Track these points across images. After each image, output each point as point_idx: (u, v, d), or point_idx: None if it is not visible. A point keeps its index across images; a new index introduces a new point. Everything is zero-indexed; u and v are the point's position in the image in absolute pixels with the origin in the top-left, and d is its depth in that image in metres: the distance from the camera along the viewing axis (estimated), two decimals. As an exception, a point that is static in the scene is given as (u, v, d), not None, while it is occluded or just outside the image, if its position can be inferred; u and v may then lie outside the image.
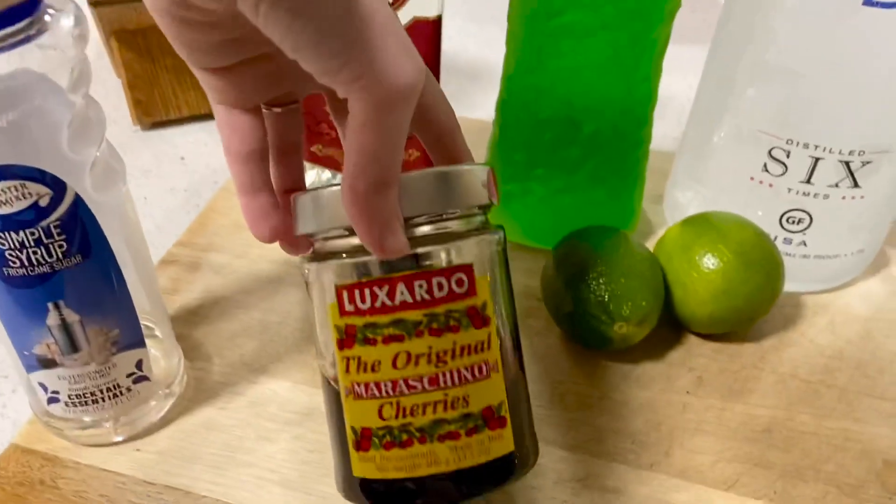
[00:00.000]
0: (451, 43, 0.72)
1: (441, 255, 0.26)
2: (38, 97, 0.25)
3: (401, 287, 0.26)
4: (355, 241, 0.26)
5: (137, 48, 0.57)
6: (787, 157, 0.37)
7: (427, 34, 0.39)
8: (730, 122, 0.39)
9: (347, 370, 0.27)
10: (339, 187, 0.25)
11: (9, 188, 0.25)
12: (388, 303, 0.26)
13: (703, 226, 0.38)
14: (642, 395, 0.36)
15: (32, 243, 0.26)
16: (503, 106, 0.41)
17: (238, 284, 0.42)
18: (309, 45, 0.20)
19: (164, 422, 0.34)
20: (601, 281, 0.35)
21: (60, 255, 0.27)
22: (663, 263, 0.38)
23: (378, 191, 0.23)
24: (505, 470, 0.27)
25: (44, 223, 0.26)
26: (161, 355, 0.35)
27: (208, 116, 0.60)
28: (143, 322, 0.32)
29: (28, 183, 0.25)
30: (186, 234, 0.45)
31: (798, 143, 0.36)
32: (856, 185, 0.37)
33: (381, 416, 0.26)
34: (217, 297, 0.41)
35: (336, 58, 0.21)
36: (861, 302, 0.42)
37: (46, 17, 0.25)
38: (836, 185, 0.37)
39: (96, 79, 0.30)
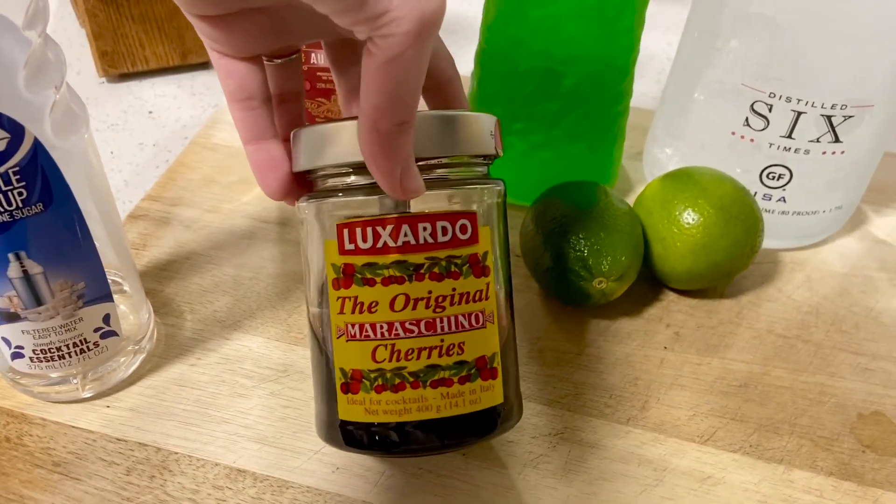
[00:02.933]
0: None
1: (446, 200, 0.26)
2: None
3: (405, 228, 0.25)
4: (359, 179, 0.25)
5: (102, -4, 0.54)
6: (769, 111, 0.37)
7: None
8: (712, 76, 0.38)
9: (342, 311, 0.26)
10: (344, 123, 0.24)
11: (-39, 130, 0.23)
12: (391, 243, 0.25)
13: (683, 181, 0.38)
14: (620, 350, 0.36)
15: (-11, 190, 0.25)
16: (482, 56, 0.40)
17: (209, 240, 0.41)
18: None
19: (135, 378, 0.34)
20: (580, 236, 0.35)
21: (20, 203, 0.26)
22: (643, 219, 0.38)
23: (402, 131, 0.23)
24: (490, 422, 0.27)
25: (1, 169, 0.25)
26: (130, 310, 0.34)
27: (177, 69, 0.58)
28: (110, 277, 0.31)
29: (-17, 125, 0.24)
30: (155, 188, 0.44)
31: (780, 97, 0.36)
32: (837, 139, 0.37)
33: (374, 359, 0.26)
34: (188, 253, 0.40)
35: None
36: (838, 258, 0.42)
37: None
38: (818, 141, 0.37)
39: (60, 28, 0.28)
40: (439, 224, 0.26)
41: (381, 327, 0.26)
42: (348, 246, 0.26)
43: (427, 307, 0.26)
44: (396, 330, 0.26)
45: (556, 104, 0.39)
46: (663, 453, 0.32)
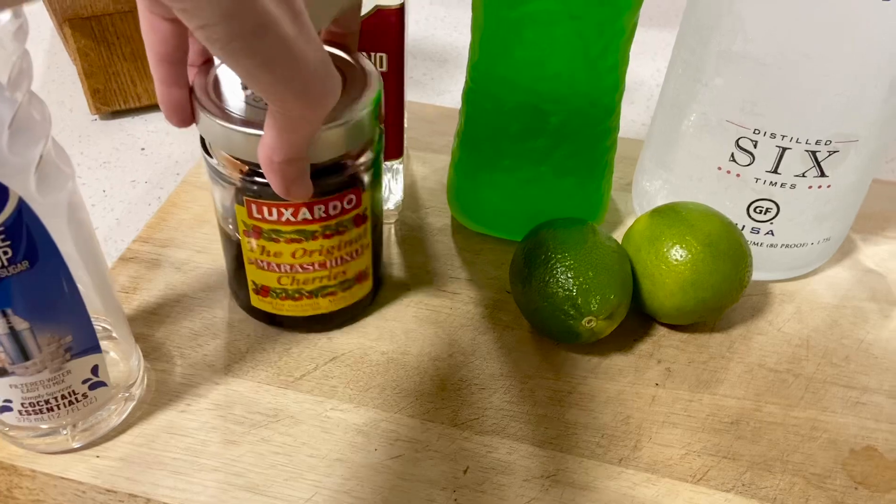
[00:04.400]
0: (418, 28, 0.71)
1: (337, 182, 0.33)
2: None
3: (303, 210, 0.33)
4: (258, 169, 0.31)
5: (92, 35, 0.55)
6: (755, 147, 0.37)
7: (390, 22, 0.38)
8: (697, 111, 0.38)
9: (252, 250, 0.35)
10: (250, 132, 0.30)
11: (-55, 194, 0.23)
12: (292, 219, 0.33)
13: (670, 217, 0.38)
14: (611, 387, 0.36)
15: (-26, 250, 0.25)
16: (469, 95, 0.40)
17: (199, 281, 0.41)
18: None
19: (125, 426, 0.34)
20: (569, 275, 0.35)
21: (5, 262, 0.26)
22: (631, 255, 0.38)
23: (291, 164, 0.27)
24: (366, 301, 0.39)
25: (-14, 229, 0.25)
26: (119, 357, 0.34)
27: (169, 105, 0.58)
28: (98, 324, 0.31)
29: (-35, 188, 0.24)
30: (146, 230, 0.44)
31: (765, 133, 0.36)
32: (822, 174, 0.37)
33: (278, 283, 0.36)
34: (178, 295, 0.40)
35: (268, 91, 0.24)
36: (827, 289, 0.42)
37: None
38: (803, 175, 0.37)
39: (52, 65, 0.29)
40: (332, 204, 0.33)
41: (284, 267, 0.35)
42: (256, 215, 0.33)
43: (320, 255, 0.35)
44: (296, 269, 0.35)
45: (543, 141, 0.39)
46: (656, 494, 0.32)
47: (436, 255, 0.43)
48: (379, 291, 0.40)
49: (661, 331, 0.39)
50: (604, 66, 0.37)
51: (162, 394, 0.35)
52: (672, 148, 0.41)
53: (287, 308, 0.37)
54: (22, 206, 0.25)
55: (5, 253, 0.25)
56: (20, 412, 0.30)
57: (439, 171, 0.49)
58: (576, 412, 0.35)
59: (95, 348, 0.30)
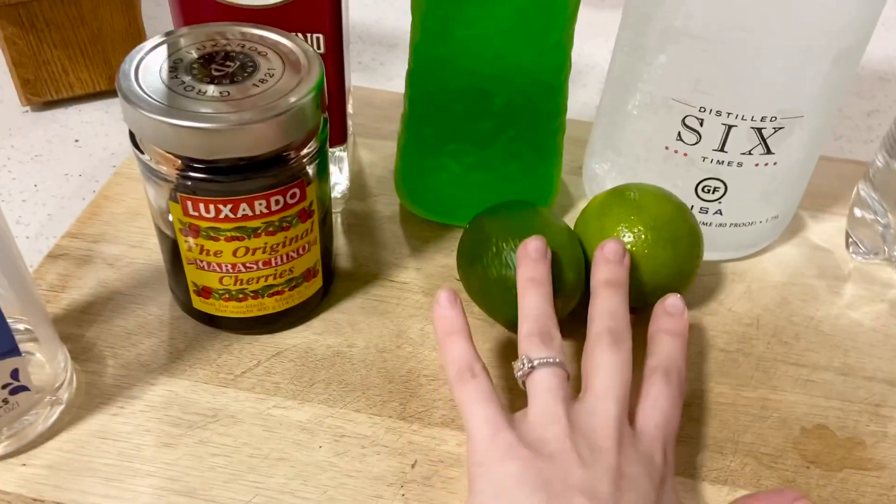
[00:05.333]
0: (367, 11, 0.69)
1: (279, 175, 0.31)
2: None
3: (243, 206, 0.31)
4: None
5: (20, 23, 0.52)
6: (701, 125, 0.36)
7: (325, 4, 0.36)
8: (643, 91, 0.38)
9: (190, 249, 0.33)
10: (182, 124, 0.28)
11: None
12: (231, 216, 0.31)
13: (619, 200, 0.37)
14: (562, 374, 0.36)
15: None
16: (411, 78, 0.39)
17: (134, 277, 0.39)
18: None
19: (53, 432, 0.32)
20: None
21: None
22: (582, 237, 0.37)
23: None
24: (315, 302, 0.37)
25: None
26: (44, 360, 0.32)
27: (104, 94, 0.56)
28: (19, 325, 0.29)
29: None
30: (76, 224, 0.42)
31: (710, 111, 0.36)
32: (768, 151, 0.37)
33: (220, 283, 0.34)
34: (111, 292, 0.38)
35: None
36: (777, 267, 0.42)
37: None
38: (750, 153, 0.37)
39: None
40: (273, 198, 0.31)
41: (225, 266, 0.33)
42: (192, 212, 0.31)
43: (264, 253, 0.33)
44: (238, 268, 0.33)
45: (488, 123, 0.38)
46: (608, 480, 0.32)
47: (383, 244, 0.42)
48: (330, 288, 0.39)
49: (612, 314, 0.38)
50: (547, 45, 0.36)
51: (93, 396, 0.33)
52: (619, 129, 0.40)
53: (231, 309, 0.35)
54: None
55: None
56: (-66, 422, 0.28)
57: (387, 158, 0.48)
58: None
59: (14, 351, 0.29)
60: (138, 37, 0.54)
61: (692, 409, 0.35)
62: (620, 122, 0.40)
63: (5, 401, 0.29)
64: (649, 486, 0.27)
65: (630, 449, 0.28)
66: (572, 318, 0.37)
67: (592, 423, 0.28)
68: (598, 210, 0.37)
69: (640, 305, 0.38)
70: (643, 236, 0.35)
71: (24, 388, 0.30)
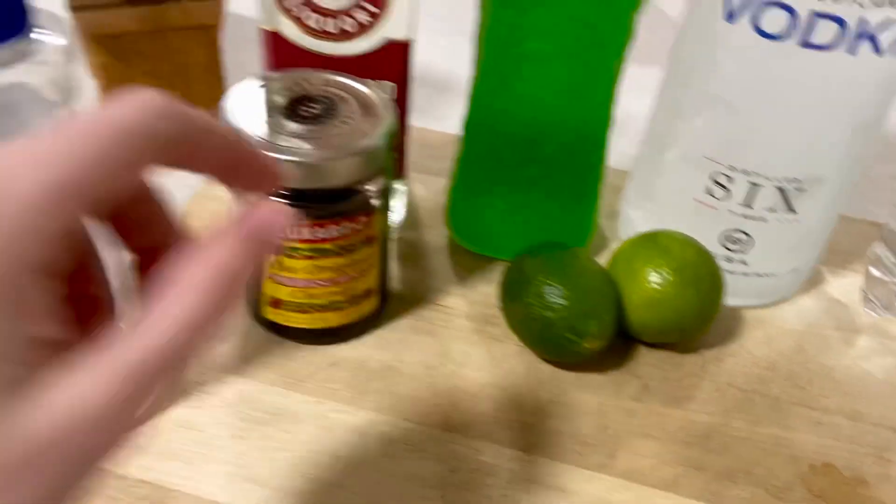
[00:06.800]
0: (421, 56, 0.74)
1: (351, 205, 0.36)
2: (30, 111, 0.27)
3: (321, 230, 0.35)
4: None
5: (112, 52, 0.58)
6: (729, 182, 0.40)
7: (398, 56, 0.41)
8: (678, 147, 0.42)
9: (270, 265, 0.37)
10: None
11: None
12: (308, 237, 0.36)
13: (649, 244, 0.41)
14: (592, 400, 0.39)
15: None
16: (468, 124, 0.43)
17: (211, 287, 0.43)
18: None
19: (138, 419, 0.36)
20: (563, 299, 0.37)
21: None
22: (614, 278, 0.41)
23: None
24: (372, 319, 0.41)
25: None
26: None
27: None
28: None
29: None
30: (161, 237, 0.46)
31: (738, 170, 0.39)
32: (791, 210, 0.40)
33: (291, 297, 0.38)
34: (190, 300, 0.42)
35: None
36: (795, 317, 0.45)
37: (36, 36, 0.26)
38: (774, 210, 0.40)
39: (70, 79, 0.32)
40: (347, 224, 0.36)
41: (297, 282, 0.37)
42: None
43: (332, 272, 0.37)
44: (308, 284, 0.37)
45: (535, 169, 0.42)
46: (630, 500, 0.35)
47: (432, 272, 0.46)
48: (384, 307, 0.43)
49: (641, 350, 0.42)
50: (594, 103, 0.40)
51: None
52: (654, 179, 0.44)
53: (297, 320, 0.39)
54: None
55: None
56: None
57: (438, 193, 0.52)
58: (558, 421, 0.38)
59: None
60: (217, 71, 0.59)
61: (710, 440, 0.38)
62: (656, 173, 0.44)
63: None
64: None
65: None
66: (598, 352, 0.40)
67: None
68: (629, 253, 0.41)
69: (663, 342, 0.42)
70: (669, 278, 0.39)
71: (122, 377, 0.34)
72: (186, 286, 0.18)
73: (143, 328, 0.18)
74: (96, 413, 0.17)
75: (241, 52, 0.62)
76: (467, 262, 0.47)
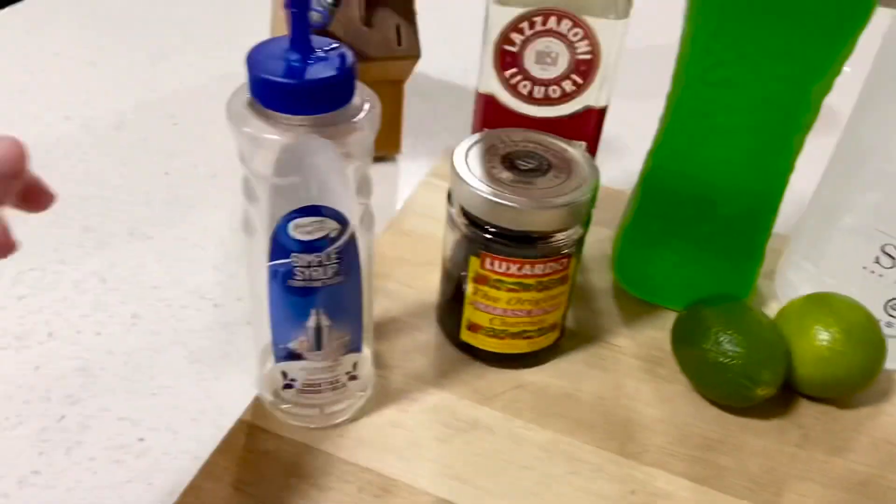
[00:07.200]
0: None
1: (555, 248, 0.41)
2: (322, 160, 0.33)
3: (528, 267, 0.41)
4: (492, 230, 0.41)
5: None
6: (899, 253, 0.43)
7: (594, 121, 0.47)
8: (850, 217, 0.45)
9: (475, 293, 0.43)
10: (495, 200, 0.39)
11: (314, 222, 0.33)
12: (516, 272, 0.41)
13: (819, 304, 0.44)
14: (757, 442, 0.43)
15: (316, 264, 0.34)
16: (646, 180, 0.48)
17: (406, 309, 0.50)
18: None
19: (359, 415, 0.42)
20: (740, 347, 0.41)
21: (331, 274, 0.35)
22: (782, 332, 0.44)
23: None
24: (551, 349, 0.46)
25: (328, 249, 0.34)
26: (367, 360, 0.42)
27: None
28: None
29: (327, 220, 0.33)
30: (365, 262, 0.53)
31: (910, 243, 0.43)
32: (958, 283, 0.43)
33: (489, 323, 0.44)
34: (391, 319, 0.49)
35: None
36: (952, 385, 0.47)
37: (355, 102, 0.33)
38: (941, 281, 0.43)
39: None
40: (549, 264, 0.41)
41: (497, 310, 0.43)
42: (488, 266, 0.41)
43: (530, 305, 0.42)
44: (507, 313, 0.43)
45: (709, 228, 0.47)
46: (794, 535, 0.38)
47: (600, 312, 0.51)
48: (560, 341, 0.47)
49: (801, 401, 0.45)
50: (774, 172, 0.44)
51: (384, 395, 0.44)
52: (821, 245, 0.48)
53: (489, 344, 0.45)
54: (352, 236, 0.34)
55: (333, 268, 0.35)
56: (298, 390, 0.39)
57: (602, 241, 0.57)
58: (726, 459, 0.42)
59: (359, 348, 0.39)
60: (398, 121, 0.66)
61: (868, 488, 0.41)
62: (823, 239, 0.48)
63: (344, 384, 0.40)
64: None
65: None
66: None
67: None
68: (798, 311, 0.45)
69: (828, 397, 0.45)
70: (838, 337, 0.42)
71: (356, 378, 0.40)
72: None
73: None
74: None
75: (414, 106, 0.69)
76: (633, 306, 0.51)
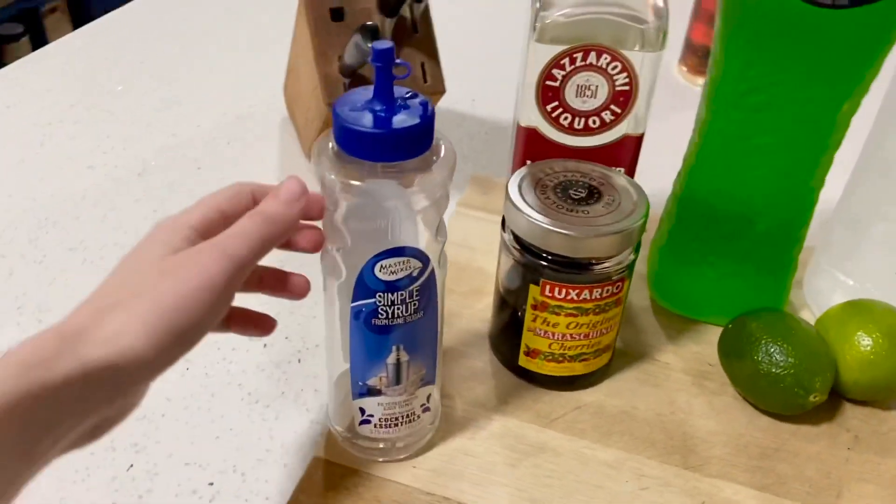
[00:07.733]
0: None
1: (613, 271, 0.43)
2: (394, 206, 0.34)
3: (586, 292, 0.42)
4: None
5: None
6: (931, 259, 0.46)
7: (631, 147, 0.49)
8: (881, 229, 0.48)
9: (534, 320, 0.44)
10: (554, 229, 0.41)
11: (399, 262, 0.34)
12: (575, 298, 0.43)
13: (857, 311, 0.46)
14: (811, 448, 0.44)
15: (399, 302, 0.35)
16: (682, 199, 0.50)
17: (459, 338, 0.51)
18: None
19: (429, 446, 0.43)
20: (791, 357, 0.43)
21: (412, 311, 0.36)
22: (824, 338, 0.46)
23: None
24: (604, 370, 0.48)
25: (410, 287, 0.35)
26: (436, 392, 0.43)
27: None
28: (424, 365, 0.41)
29: (411, 259, 0.34)
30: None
31: (942, 249, 0.45)
32: None
33: (548, 348, 0.45)
34: (447, 348, 0.50)
35: None
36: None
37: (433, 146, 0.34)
38: (972, 284, 0.46)
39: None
40: (606, 288, 0.43)
41: (557, 335, 0.44)
42: (547, 293, 0.43)
43: (587, 328, 0.44)
44: (566, 338, 0.44)
45: (746, 243, 0.49)
46: (859, 535, 0.40)
47: (643, 330, 0.53)
48: (611, 361, 0.49)
49: (846, 405, 0.47)
50: (807, 187, 0.47)
51: (450, 424, 0.45)
52: (852, 254, 0.50)
53: (547, 368, 0.46)
54: (432, 273, 0.36)
55: (414, 305, 0.36)
56: (375, 425, 0.40)
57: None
58: (784, 466, 0.43)
59: (433, 381, 0.40)
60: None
61: (923, 488, 0.42)
62: (853, 248, 0.50)
63: (418, 416, 0.41)
64: None
65: None
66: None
67: None
68: (838, 318, 0.47)
69: (871, 399, 0.47)
70: (880, 341, 0.45)
71: (429, 409, 0.41)
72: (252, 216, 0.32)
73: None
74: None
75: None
76: (673, 322, 0.53)
